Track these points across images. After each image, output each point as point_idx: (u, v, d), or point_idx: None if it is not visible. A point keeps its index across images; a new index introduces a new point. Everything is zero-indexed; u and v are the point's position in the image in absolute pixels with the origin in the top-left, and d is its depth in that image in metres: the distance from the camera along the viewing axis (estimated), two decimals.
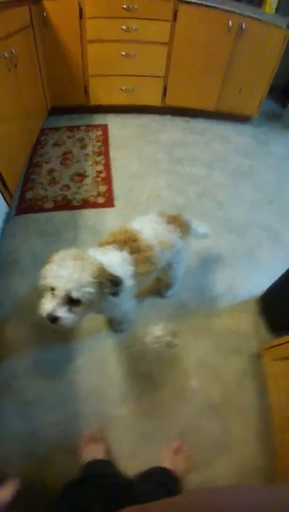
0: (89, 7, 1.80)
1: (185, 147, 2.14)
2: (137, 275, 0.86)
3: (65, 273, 0.67)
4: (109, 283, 0.72)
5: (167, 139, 2.20)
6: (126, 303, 0.97)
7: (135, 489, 0.71)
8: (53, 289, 0.68)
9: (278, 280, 1.19)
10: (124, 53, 1.98)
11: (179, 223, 1.00)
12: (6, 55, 1.34)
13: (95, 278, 0.68)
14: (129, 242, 0.86)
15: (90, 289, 0.68)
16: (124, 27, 1.87)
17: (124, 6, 1.80)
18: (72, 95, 2.19)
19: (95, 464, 0.85)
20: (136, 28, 1.88)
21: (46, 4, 1.75)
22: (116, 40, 1.93)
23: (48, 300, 0.70)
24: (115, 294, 0.75)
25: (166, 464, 0.93)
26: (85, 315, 0.75)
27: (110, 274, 0.73)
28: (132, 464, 0.92)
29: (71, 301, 0.68)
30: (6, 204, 1.48)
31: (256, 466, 0.95)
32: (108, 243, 0.87)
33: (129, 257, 0.84)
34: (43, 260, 1.37)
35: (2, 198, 1.44)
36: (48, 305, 0.69)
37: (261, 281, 1.38)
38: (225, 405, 1.05)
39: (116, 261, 0.81)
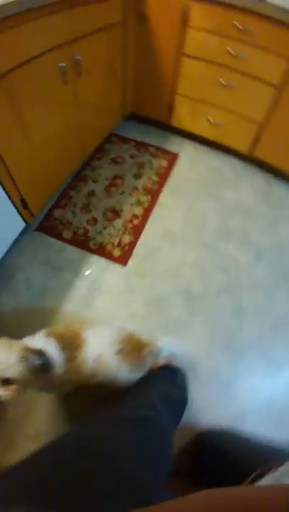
0: (196, 15, 1.45)
1: (245, 218, 1.76)
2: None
3: None
4: (34, 357, 0.79)
5: (232, 199, 1.84)
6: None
7: None
8: None
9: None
10: (222, 81, 1.59)
11: (138, 355, 0.92)
12: (64, 65, 1.18)
13: (20, 357, 0.76)
14: (70, 347, 0.88)
15: (16, 368, 0.76)
16: (230, 50, 1.45)
17: (240, 27, 1.38)
18: (155, 108, 1.94)
19: None
20: (244, 56, 1.45)
21: None
22: (217, 63, 1.55)
23: None
24: (46, 366, 0.81)
25: None
26: (27, 388, 0.84)
27: (33, 350, 0.80)
28: None
29: (5, 381, 0.77)
30: (23, 221, 1.48)
31: None
32: (56, 335, 0.89)
33: (63, 362, 0.87)
34: (34, 290, 1.42)
35: (19, 215, 1.43)
36: None
37: (227, 414, 1.20)
38: None
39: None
